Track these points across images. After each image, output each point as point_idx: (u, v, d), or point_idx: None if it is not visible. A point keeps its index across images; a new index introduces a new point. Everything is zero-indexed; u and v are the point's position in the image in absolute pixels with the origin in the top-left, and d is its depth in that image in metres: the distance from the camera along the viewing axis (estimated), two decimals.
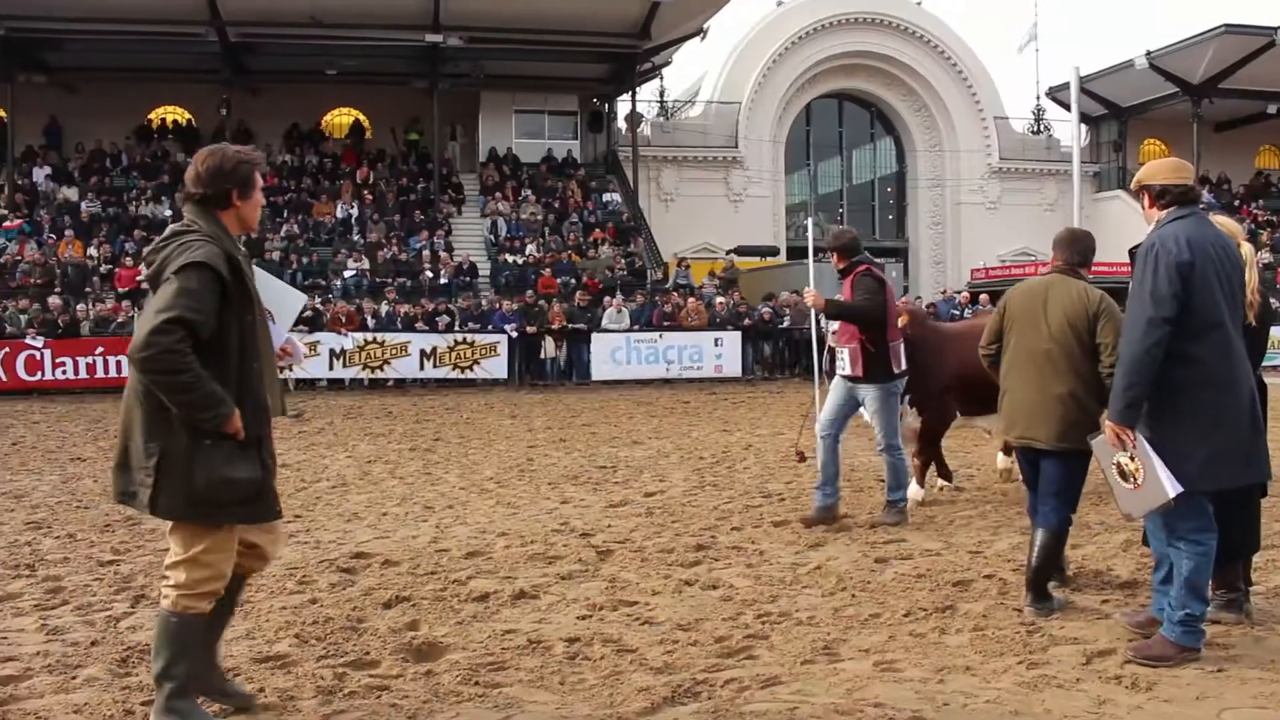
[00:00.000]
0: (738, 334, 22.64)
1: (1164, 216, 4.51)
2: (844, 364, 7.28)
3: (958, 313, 23.23)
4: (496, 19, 26.90)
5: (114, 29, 26.21)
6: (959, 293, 27.02)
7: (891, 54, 35.74)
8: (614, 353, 21.98)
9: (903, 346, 7.33)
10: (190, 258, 3.54)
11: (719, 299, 24.06)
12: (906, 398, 7.83)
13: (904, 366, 7.33)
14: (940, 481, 8.59)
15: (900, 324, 7.52)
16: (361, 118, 32.31)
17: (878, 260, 7.68)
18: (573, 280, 24.77)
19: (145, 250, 3.80)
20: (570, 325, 22.07)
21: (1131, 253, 4.65)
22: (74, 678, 4.36)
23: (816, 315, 8.40)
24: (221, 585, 3.76)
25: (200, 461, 3.54)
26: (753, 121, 34.56)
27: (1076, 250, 5.31)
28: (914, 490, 7.98)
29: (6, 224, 25.71)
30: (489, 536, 7.07)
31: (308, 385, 21.00)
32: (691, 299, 23.73)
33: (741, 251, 31.07)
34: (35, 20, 25.98)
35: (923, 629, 4.93)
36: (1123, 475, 4.45)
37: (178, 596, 3.67)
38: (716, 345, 22.34)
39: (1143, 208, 4.66)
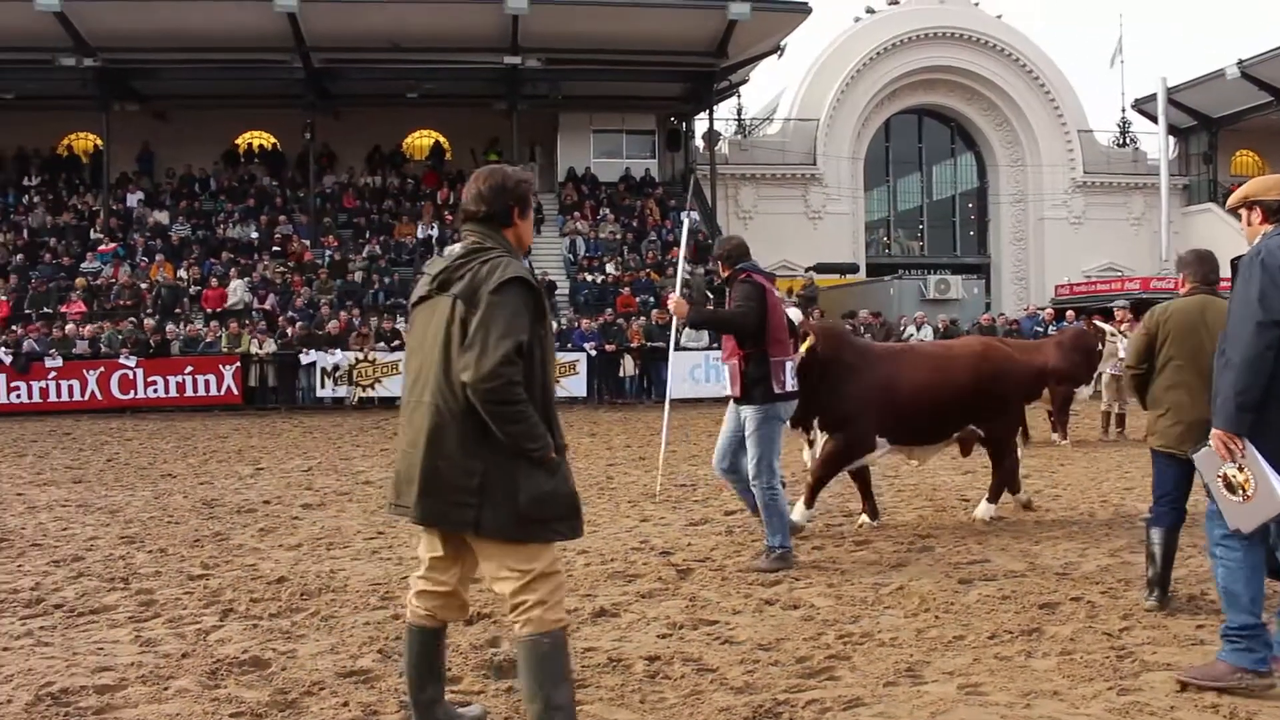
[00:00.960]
0: None
1: (1271, 230, 4.40)
2: (726, 383, 6.84)
3: (1041, 330, 22.82)
4: (574, 40, 27.17)
5: (203, 58, 26.99)
6: (1043, 309, 26.56)
7: (972, 68, 35.38)
8: (693, 371, 21.95)
9: (790, 365, 6.64)
10: (508, 273, 3.51)
11: (798, 316, 23.90)
12: (817, 421, 7.48)
13: (790, 387, 6.61)
14: (863, 519, 7.99)
15: (808, 343, 7.21)
16: (442, 139, 32.81)
17: (766, 270, 7.10)
18: (651, 298, 24.82)
19: (433, 268, 3.71)
20: (649, 343, 22.11)
21: (1234, 264, 4.56)
22: (166, 689, 4.46)
23: (678, 326, 8.15)
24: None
25: (525, 479, 3.48)
26: (831, 138, 34.42)
27: (1211, 268, 5.48)
28: (799, 512, 7.41)
29: (102, 248, 26.55)
30: (569, 554, 7.07)
31: (388, 404, 21.27)
32: None
33: (821, 269, 30.93)
34: (129, 51, 26.89)
35: (1008, 652, 4.85)
36: (1230, 488, 4.30)
37: (542, 614, 3.57)
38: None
39: (1246, 223, 4.54)
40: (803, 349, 7.20)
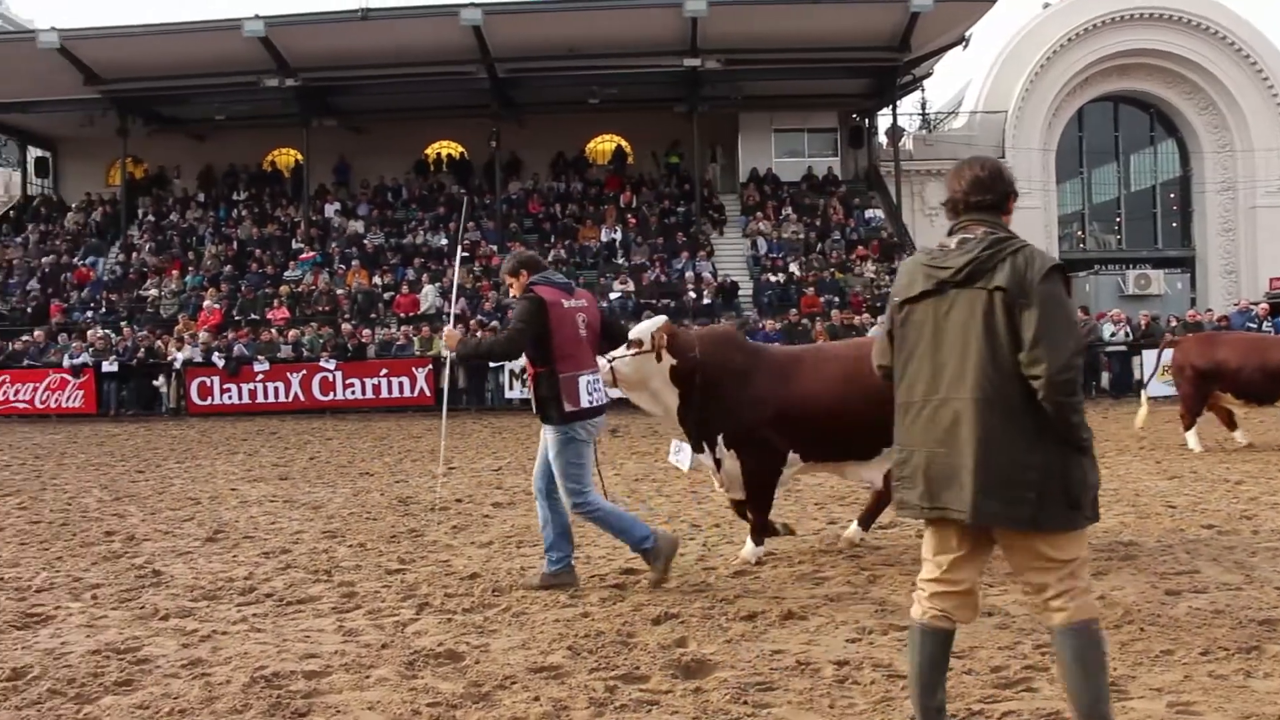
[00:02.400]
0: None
1: None
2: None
3: (1254, 326, 21.48)
4: (753, 40, 27.07)
5: (394, 73, 28.11)
6: (1256, 304, 24.97)
7: (1173, 50, 33.57)
8: None
9: (585, 380, 6.13)
10: (1048, 262, 3.50)
11: None
12: (720, 437, 6.62)
13: (587, 403, 6.11)
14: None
15: (685, 347, 6.56)
16: (623, 143, 33.20)
17: (560, 279, 6.43)
18: (836, 298, 24.50)
19: (945, 261, 3.61)
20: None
21: None
22: (367, 677, 4.65)
23: (451, 360, 7.41)
24: None
25: (1075, 468, 3.47)
26: (1020, 130, 33.26)
27: None
28: (749, 550, 6.78)
29: (303, 256, 27.95)
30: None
31: None
32: None
33: None
34: (327, 70, 28.27)
35: (1224, 670, 4.55)
36: None
37: (1086, 600, 3.53)
38: None
39: None
40: (625, 355, 6.55)
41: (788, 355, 7.10)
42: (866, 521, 7.30)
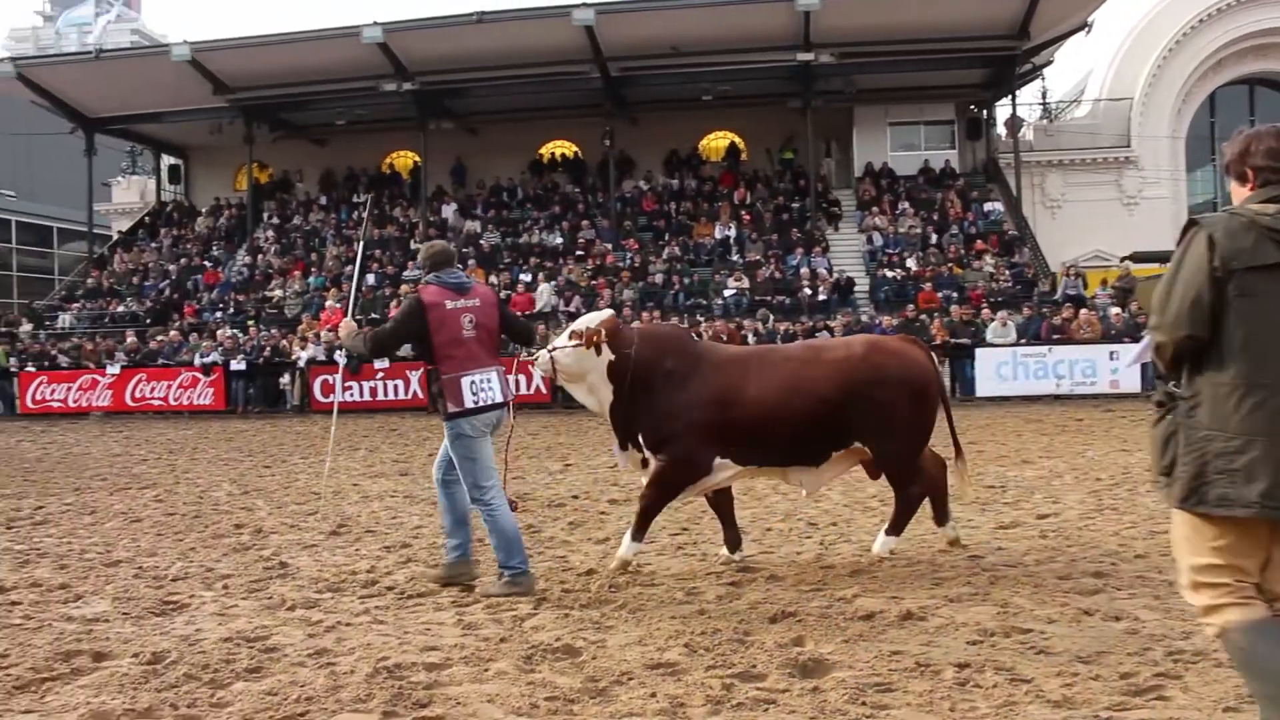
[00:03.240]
0: (1135, 347, 21.02)
1: None
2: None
3: None
4: (867, 32, 26.73)
5: (508, 74, 28.55)
6: None
7: None
8: (999, 368, 21.10)
9: (469, 380, 6.10)
10: None
11: (1114, 310, 22.51)
12: (640, 437, 6.47)
13: (471, 404, 6.10)
14: (723, 552, 6.89)
15: (624, 344, 6.41)
16: (737, 140, 33.08)
17: (454, 279, 6.31)
18: (954, 293, 24.03)
19: None
20: (953, 340, 21.43)
21: None
22: (486, 670, 4.71)
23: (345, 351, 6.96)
24: None
25: None
26: (1147, 117, 32.15)
27: None
28: (626, 545, 6.59)
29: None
30: (874, 554, 6.96)
31: None
32: (1084, 310, 22.34)
33: (1138, 258, 28.83)
34: (443, 73, 28.81)
35: None
36: None
37: None
38: (1112, 359, 20.86)
39: None
40: (567, 346, 6.49)
41: (729, 358, 6.76)
42: (897, 528, 6.92)
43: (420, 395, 22.00)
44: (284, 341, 24.02)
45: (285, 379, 23.49)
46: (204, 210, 34.70)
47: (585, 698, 4.33)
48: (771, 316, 23.19)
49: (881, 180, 30.30)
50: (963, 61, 28.64)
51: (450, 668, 4.74)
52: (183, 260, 31.60)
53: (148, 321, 27.75)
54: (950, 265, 25.73)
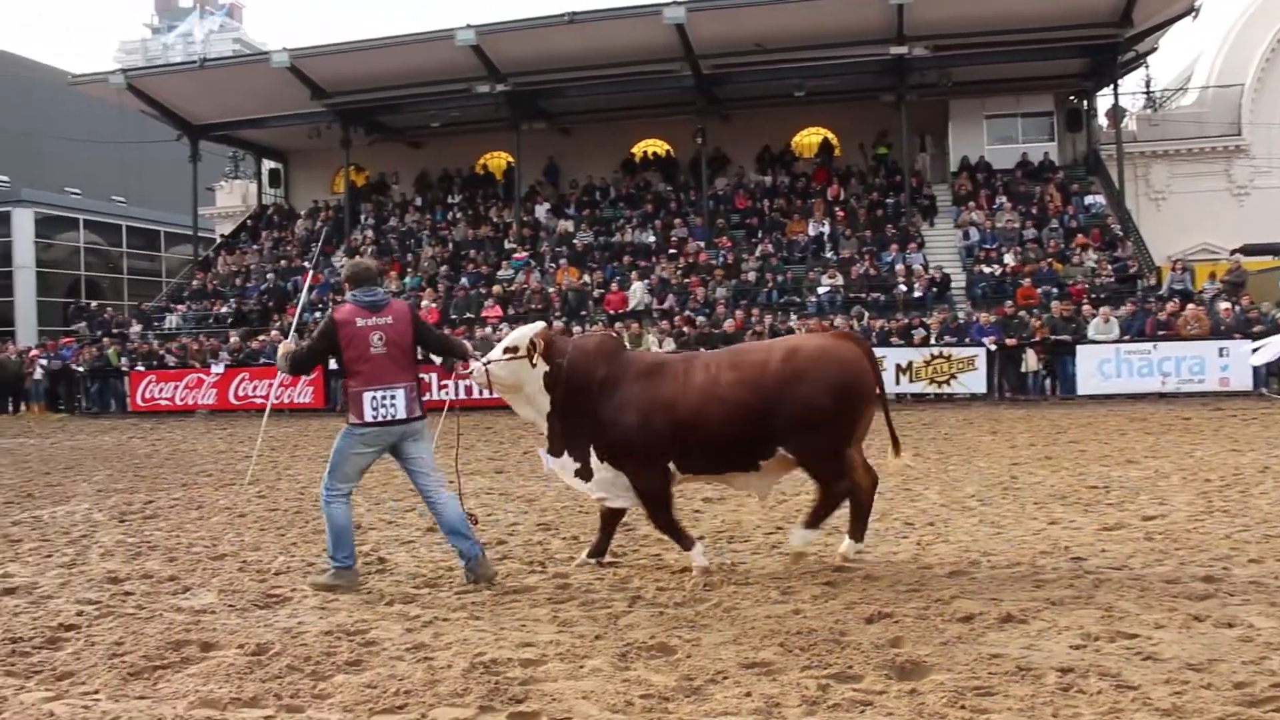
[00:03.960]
0: (1246, 343, 20.30)
1: None
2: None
3: None
4: (962, 24, 26.24)
5: (600, 74, 28.65)
6: None
7: None
8: (1102, 365, 20.56)
9: (371, 396, 6.33)
10: None
11: (1223, 305, 21.77)
12: (593, 449, 6.59)
13: (365, 418, 6.35)
14: (584, 554, 6.99)
15: (557, 354, 6.56)
16: (830, 135, 32.77)
17: (368, 297, 6.50)
18: (1054, 289, 23.48)
19: None
20: (1053, 337, 20.96)
21: None
22: (581, 667, 4.74)
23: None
24: None
25: None
26: (1260, 104, 31.01)
27: None
28: (692, 560, 6.60)
29: (516, 256, 28.79)
30: (972, 555, 6.85)
31: None
32: (1190, 305, 21.65)
33: (1249, 251, 27.86)
34: (535, 74, 29.03)
35: None
36: None
37: None
38: (1221, 355, 20.18)
39: None
40: (501, 359, 6.64)
41: (656, 365, 6.73)
42: (857, 533, 6.82)
43: None
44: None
45: None
46: (303, 213, 35.50)
47: (680, 696, 4.33)
48: (866, 314, 22.94)
49: (978, 174, 29.73)
50: (1062, 51, 27.89)
51: (545, 664, 4.78)
52: (283, 262, 32.36)
53: (250, 321, 28.46)
54: (1050, 260, 25.13)
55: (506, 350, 6.68)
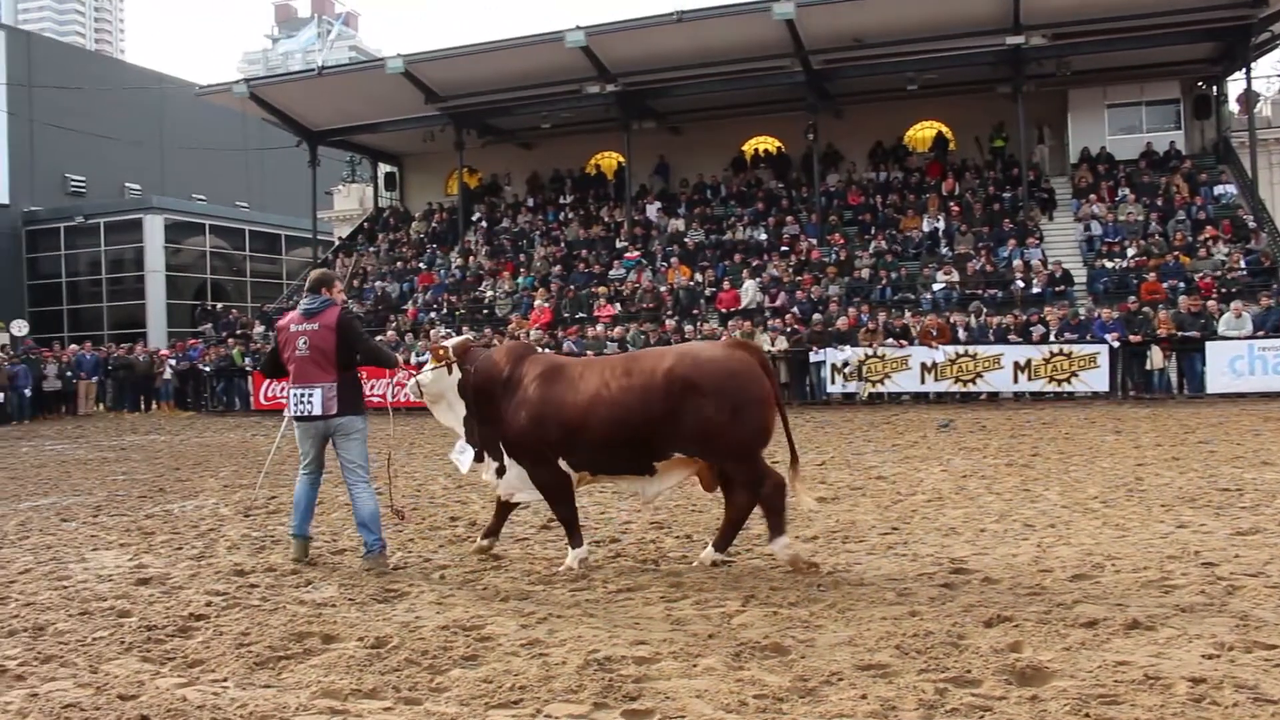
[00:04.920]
0: None
1: None
2: None
3: None
4: (1081, 10, 25.49)
5: (709, 72, 28.57)
6: None
7: None
8: (1233, 362, 19.79)
9: (295, 394, 7.15)
10: None
11: None
12: (501, 444, 6.94)
13: (293, 413, 7.21)
14: (481, 538, 7.40)
15: (469, 362, 7.06)
16: (944, 129, 32.15)
17: (308, 304, 7.24)
18: (1181, 284, 22.68)
19: None
20: (1180, 333, 20.24)
21: None
22: (695, 665, 4.72)
23: None
24: None
25: None
26: None
27: None
28: (571, 556, 6.85)
29: (628, 255, 28.92)
30: (1096, 559, 6.64)
31: (899, 399, 21.28)
32: None
33: None
34: (645, 74, 29.12)
35: None
36: None
37: None
38: None
39: None
40: (428, 370, 7.20)
41: (556, 369, 6.93)
42: (722, 544, 6.91)
43: None
44: (495, 341, 24.78)
45: None
46: (418, 215, 36.21)
47: (794, 697, 4.29)
48: (985, 310, 22.46)
49: (1099, 166, 28.85)
50: (1189, 35, 26.84)
51: (659, 662, 4.78)
52: (398, 263, 33.05)
53: (368, 322, 29.13)
54: (1176, 254, 24.26)
55: (431, 361, 7.27)
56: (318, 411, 7.10)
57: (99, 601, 6.27)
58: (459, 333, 25.73)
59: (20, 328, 31.59)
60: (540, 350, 7.42)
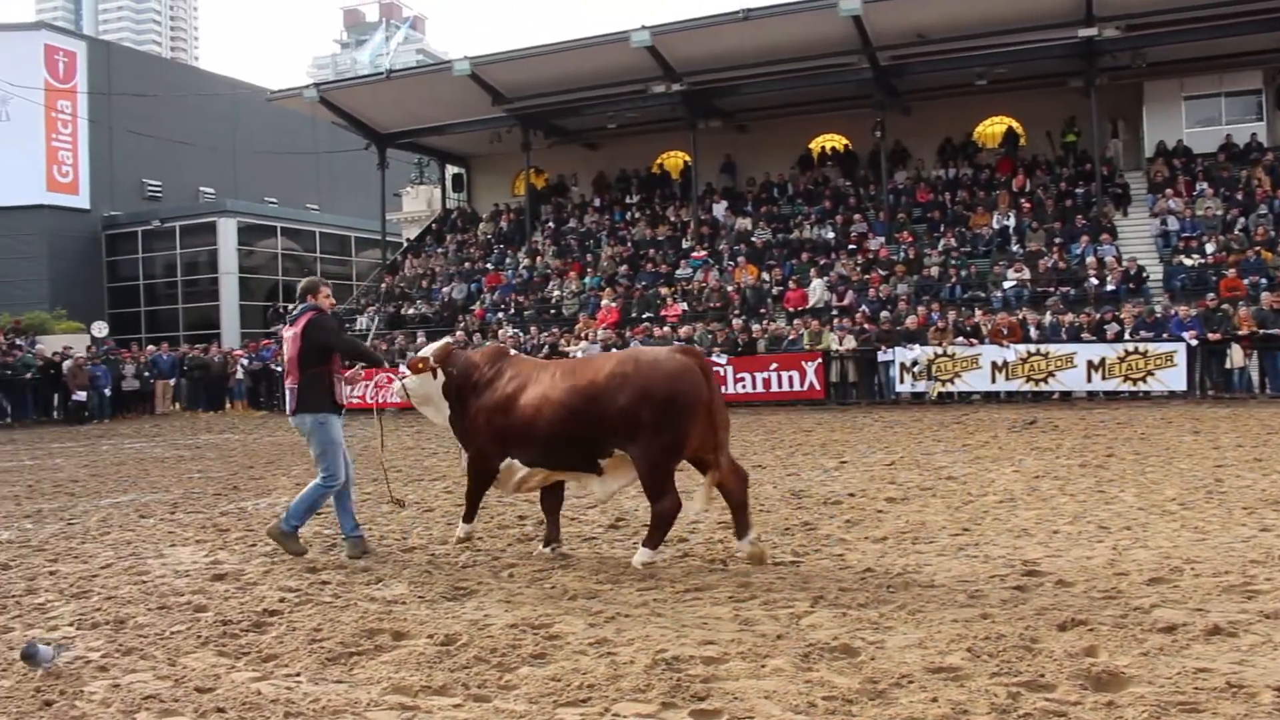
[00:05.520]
0: None
1: None
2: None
3: None
4: (1157, 1, 24.95)
5: (775, 70, 28.41)
6: None
7: None
8: None
9: (288, 388, 7.74)
10: None
11: None
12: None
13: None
14: (538, 546, 7.63)
15: (450, 365, 7.54)
16: (1015, 124, 31.66)
17: (293, 311, 7.83)
18: (1263, 280, 22.09)
19: None
20: (1262, 331, 19.72)
21: None
22: (763, 666, 4.70)
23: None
24: None
25: None
26: None
27: None
28: (460, 528, 7.76)
29: (695, 255, 28.87)
30: (1174, 562, 6.48)
31: (969, 399, 21.01)
32: None
33: None
34: (711, 72, 29.04)
35: None
36: None
37: None
38: None
39: None
40: (411, 375, 7.65)
41: (518, 371, 7.42)
42: (742, 531, 7.03)
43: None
44: (562, 340, 24.91)
45: None
46: (485, 216, 36.49)
47: (864, 699, 4.25)
48: (1063, 306, 22.05)
49: (1175, 159, 28.21)
50: (1272, 23, 26.11)
51: (727, 662, 4.76)
52: (466, 264, 33.33)
53: (437, 322, 29.39)
54: (1257, 249, 23.63)
55: (410, 366, 7.78)
56: (288, 410, 7.78)
57: (176, 596, 6.41)
58: (525, 333, 25.92)
59: (101, 329, 32.35)
60: (514, 352, 7.88)
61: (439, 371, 7.56)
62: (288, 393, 7.75)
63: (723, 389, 22.09)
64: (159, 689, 4.65)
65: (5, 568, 7.51)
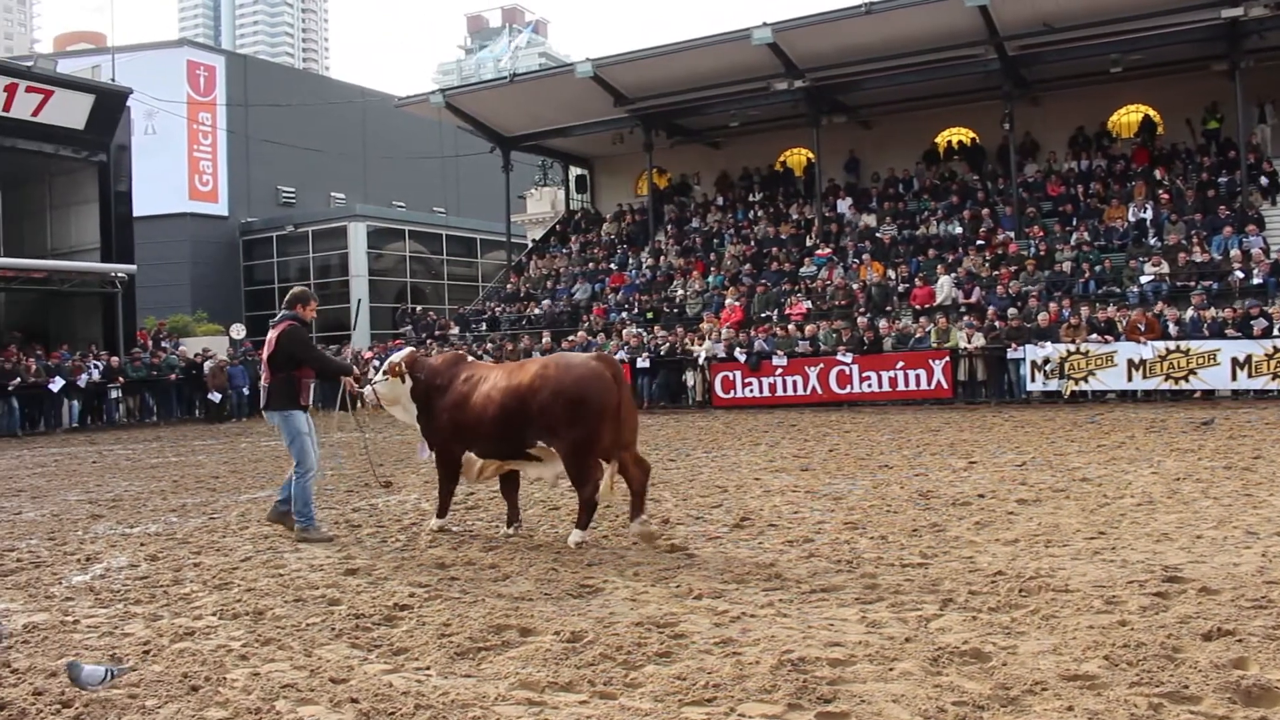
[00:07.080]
0: None
1: None
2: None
3: None
4: None
5: (899, 64, 27.88)
6: None
7: None
8: None
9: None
10: None
11: None
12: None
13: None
14: (503, 528, 8.57)
15: (417, 370, 8.49)
16: (1151, 113, 30.53)
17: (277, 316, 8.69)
18: None
19: None
20: None
21: None
22: (891, 669, 4.63)
23: None
24: None
25: None
26: None
27: None
28: (433, 521, 8.68)
29: (819, 252, 28.59)
30: None
31: (1103, 397, 20.37)
32: None
33: None
34: (834, 68, 28.67)
35: None
36: None
37: None
38: None
39: None
40: (381, 380, 8.56)
41: (471, 373, 8.36)
42: (636, 514, 7.89)
43: (819, 391, 22.20)
44: (686, 339, 24.93)
45: (687, 375, 24.39)
46: (608, 216, 36.74)
47: (995, 706, 4.15)
48: (1206, 302, 21.18)
49: None
50: None
51: (854, 665, 4.70)
52: (590, 264, 33.61)
53: (561, 322, 29.71)
54: None
55: (384, 372, 8.56)
56: (262, 405, 8.75)
57: (311, 590, 6.60)
58: (649, 331, 26.02)
59: (239, 331, 33.53)
60: (470, 359, 8.84)
61: (406, 376, 8.46)
62: (262, 390, 8.61)
63: (848, 388, 21.88)
64: (296, 679, 4.81)
65: (154, 559, 7.85)
